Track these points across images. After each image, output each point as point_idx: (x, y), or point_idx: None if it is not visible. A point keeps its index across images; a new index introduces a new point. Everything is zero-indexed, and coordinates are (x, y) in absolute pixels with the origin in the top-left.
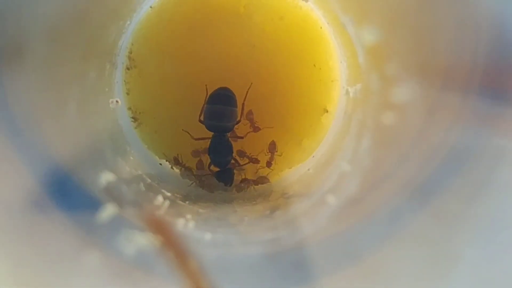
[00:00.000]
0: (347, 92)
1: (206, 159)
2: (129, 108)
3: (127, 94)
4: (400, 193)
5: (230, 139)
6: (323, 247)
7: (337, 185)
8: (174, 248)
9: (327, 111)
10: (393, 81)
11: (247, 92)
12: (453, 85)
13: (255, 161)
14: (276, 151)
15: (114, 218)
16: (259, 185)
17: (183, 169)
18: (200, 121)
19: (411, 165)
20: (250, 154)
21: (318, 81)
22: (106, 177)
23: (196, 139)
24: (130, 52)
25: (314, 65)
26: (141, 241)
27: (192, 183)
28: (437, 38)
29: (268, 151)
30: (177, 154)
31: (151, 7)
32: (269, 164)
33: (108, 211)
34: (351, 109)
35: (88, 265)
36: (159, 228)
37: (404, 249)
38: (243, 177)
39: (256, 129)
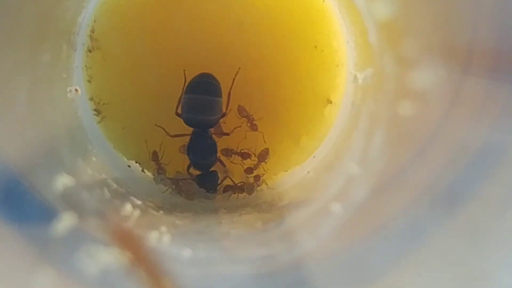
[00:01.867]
0: (355, 79)
1: (185, 160)
2: (91, 99)
3: (89, 81)
4: (420, 201)
5: (213, 136)
6: (326, 267)
7: (343, 191)
8: (146, 267)
9: (331, 102)
10: (411, 64)
11: (234, 79)
12: (484, 70)
13: (245, 155)
14: (266, 162)
15: (73, 230)
16: (246, 193)
17: (157, 171)
18: (177, 114)
19: (433, 166)
20: (238, 149)
21: (320, 65)
22: (63, 182)
23: (172, 136)
24: (92, 31)
25: (315, 47)
26: (105, 258)
27: (167, 189)
28: (467, 11)
29: (257, 157)
30: (158, 150)
31: None
32: (249, 170)
33: (66, 222)
34: (360, 99)
35: (41, 287)
36: (128, 242)
37: (425, 270)
38: (228, 183)
39: (254, 127)
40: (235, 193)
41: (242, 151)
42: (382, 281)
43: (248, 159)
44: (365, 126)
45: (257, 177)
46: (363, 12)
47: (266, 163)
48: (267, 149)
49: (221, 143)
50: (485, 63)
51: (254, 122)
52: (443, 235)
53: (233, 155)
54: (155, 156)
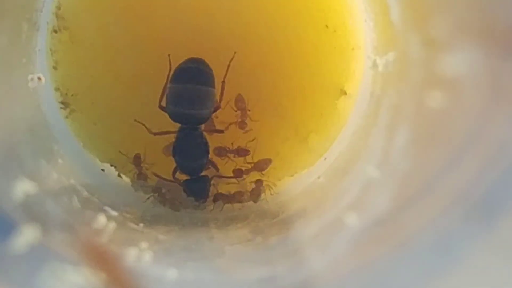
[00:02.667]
0: (375, 65)
1: (171, 162)
2: (57, 89)
3: (54, 68)
4: (453, 212)
5: (204, 133)
6: None
7: (360, 199)
8: None
9: (345, 93)
10: (442, 47)
11: (228, 65)
12: None
13: (243, 152)
14: (263, 173)
15: (36, 246)
16: (242, 202)
17: (136, 176)
18: (161, 107)
19: (467, 171)
20: (233, 146)
21: (332, 49)
22: (24, 188)
23: (155, 134)
24: (58, 8)
25: (327, 26)
26: (74, 280)
27: (148, 198)
28: None
29: (253, 165)
30: (139, 151)
31: None
32: (239, 172)
33: (27, 236)
34: (380, 89)
35: None
36: (101, 261)
37: None
38: (220, 190)
39: (242, 125)
40: (229, 202)
41: (238, 147)
42: None
43: (246, 158)
44: (386, 122)
45: (259, 182)
46: None
47: (263, 174)
48: (269, 160)
49: (213, 141)
50: None
51: (245, 119)
52: (479, 252)
53: (227, 154)
54: (137, 160)
